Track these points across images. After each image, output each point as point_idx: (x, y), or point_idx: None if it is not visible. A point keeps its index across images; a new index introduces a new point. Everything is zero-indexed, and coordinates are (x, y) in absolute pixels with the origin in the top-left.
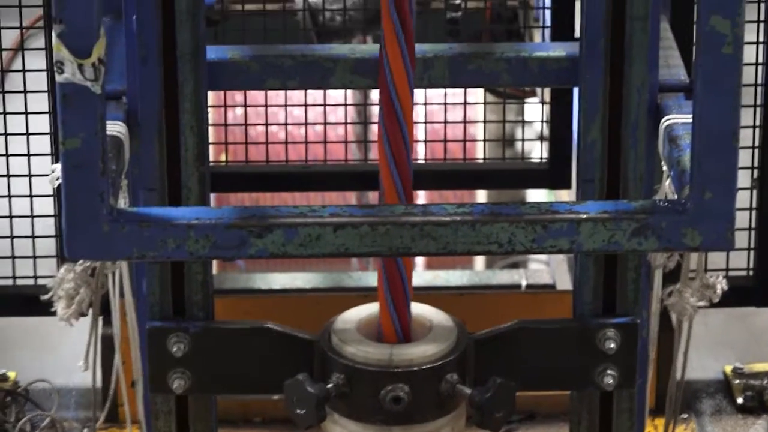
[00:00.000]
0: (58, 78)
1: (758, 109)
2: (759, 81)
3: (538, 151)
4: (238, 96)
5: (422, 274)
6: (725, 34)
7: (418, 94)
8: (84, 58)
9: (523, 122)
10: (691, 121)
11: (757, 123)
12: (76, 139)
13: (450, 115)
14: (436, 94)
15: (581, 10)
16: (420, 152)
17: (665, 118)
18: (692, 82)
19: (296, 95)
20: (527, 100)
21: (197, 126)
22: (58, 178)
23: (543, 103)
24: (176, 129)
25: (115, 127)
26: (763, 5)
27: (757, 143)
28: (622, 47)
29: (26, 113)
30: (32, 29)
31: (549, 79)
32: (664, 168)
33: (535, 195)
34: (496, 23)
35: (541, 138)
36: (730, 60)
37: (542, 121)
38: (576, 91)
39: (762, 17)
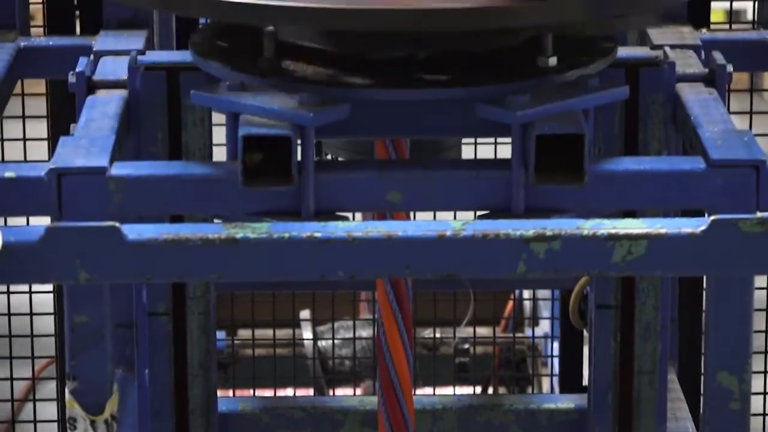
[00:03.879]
0: None
1: None
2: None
3: None
4: None
5: None
6: (732, 390)
7: None
8: (97, 415)
9: None
10: None
11: None
12: None
13: None
14: None
15: (589, 361)
16: None
17: None
18: None
19: None
20: None
21: None
22: None
23: None
24: None
25: None
26: None
27: None
28: (630, 400)
29: None
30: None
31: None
32: None
33: None
34: (504, 368)
35: None
36: (736, 416)
37: None
38: None
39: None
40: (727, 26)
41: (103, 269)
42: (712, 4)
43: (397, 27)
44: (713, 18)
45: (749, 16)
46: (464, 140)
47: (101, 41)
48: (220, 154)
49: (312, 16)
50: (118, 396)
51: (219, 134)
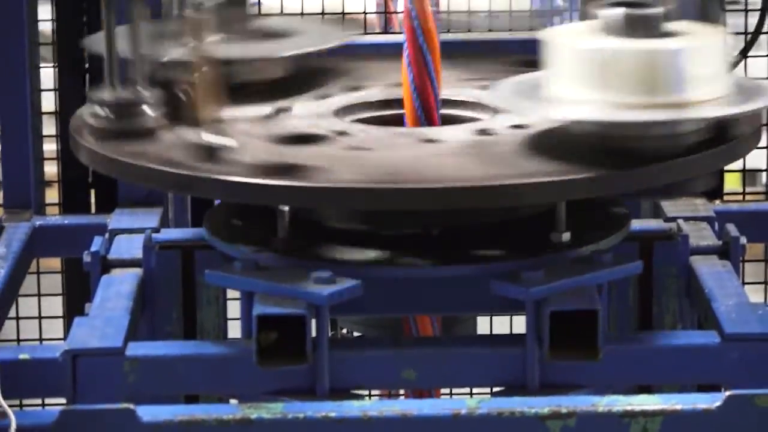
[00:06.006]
0: None
1: None
2: None
3: None
4: None
5: None
6: None
7: None
8: None
9: None
10: None
11: None
12: None
13: None
14: None
15: None
16: None
17: None
18: None
19: None
20: None
21: None
22: None
23: None
24: None
25: None
26: None
27: None
28: None
29: None
30: None
31: None
32: None
33: None
34: None
35: None
36: None
37: None
38: None
39: None
40: (740, 196)
41: None
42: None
43: (411, 206)
44: (728, 182)
45: (765, 178)
46: None
47: (116, 219)
48: (234, 327)
49: (324, 197)
50: None
51: (234, 308)
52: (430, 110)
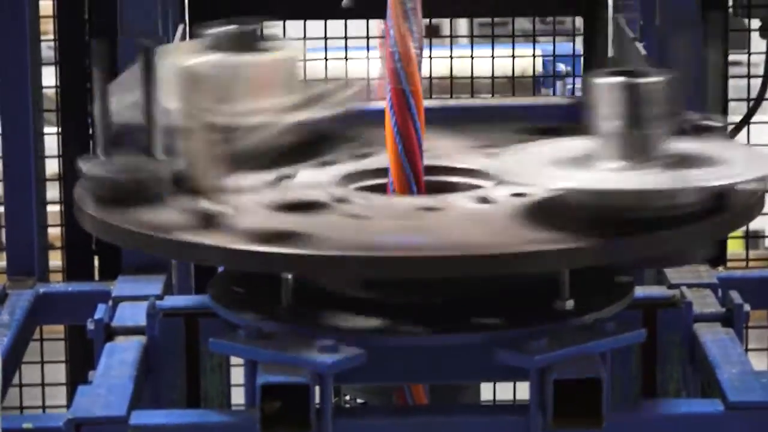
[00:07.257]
0: None
1: None
2: None
3: None
4: None
5: None
6: None
7: None
8: None
9: None
10: None
11: None
12: None
13: None
14: None
15: None
16: None
17: None
18: None
19: None
20: None
21: None
22: None
23: None
24: None
25: None
26: None
27: None
28: None
29: None
30: None
31: None
32: None
33: None
34: None
35: None
36: None
37: None
38: None
39: None
40: (743, 260)
41: None
42: None
43: (414, 275)
44: (731, 246)
45: None
46: None
47: (120, 287)
48: (238, 393)
49: (327, 265)
50: None
51: (238, 374)
52: (413, 155)
